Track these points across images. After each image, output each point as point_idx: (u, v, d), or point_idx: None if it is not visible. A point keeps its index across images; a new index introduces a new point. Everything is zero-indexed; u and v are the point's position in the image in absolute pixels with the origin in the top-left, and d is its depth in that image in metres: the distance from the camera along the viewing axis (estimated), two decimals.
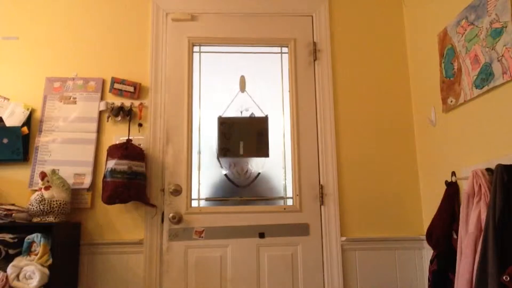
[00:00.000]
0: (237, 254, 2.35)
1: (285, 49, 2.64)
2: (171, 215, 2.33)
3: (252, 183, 2.49)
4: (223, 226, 2.36)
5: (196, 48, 2.60)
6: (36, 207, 2.14)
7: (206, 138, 2.52)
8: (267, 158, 2.51)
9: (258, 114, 2.56)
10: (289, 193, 2.48)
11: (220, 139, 2.50)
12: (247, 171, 2.49)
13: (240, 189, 2.48)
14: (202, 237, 2.33)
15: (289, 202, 2.47)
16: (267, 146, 2.52)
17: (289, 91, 2.57)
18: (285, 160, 2.51)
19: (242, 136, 2.52)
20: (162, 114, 2.49)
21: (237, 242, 2.36)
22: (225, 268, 2.34)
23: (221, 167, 2.48)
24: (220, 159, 2.48)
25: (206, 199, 2.44)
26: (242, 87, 2.54)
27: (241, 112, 2.54)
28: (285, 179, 2.50)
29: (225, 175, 2.48)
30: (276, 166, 2.52)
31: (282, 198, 2.48)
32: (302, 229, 2.40)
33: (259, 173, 2.49)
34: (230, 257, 2.34)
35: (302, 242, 2.39)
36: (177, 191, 2.36)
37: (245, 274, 2.34)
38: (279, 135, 2.55)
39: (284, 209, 2.43)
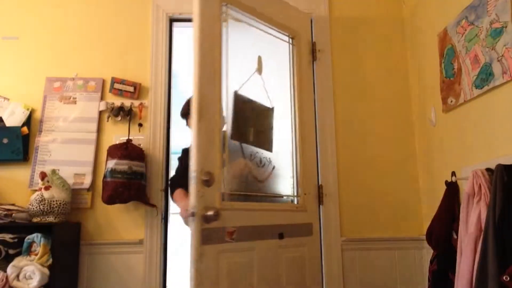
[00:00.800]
0: (261, 258, 1.98)
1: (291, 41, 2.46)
2: (209, 212, 1.72)
3: (268, 177, 2.19)
4: (251, 226, 1.96)
5: (223, 8, 2.10)
6: (36, 207, 2.14)
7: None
8: (276, 153, 2.25)
9: (265, 103, 2.27)
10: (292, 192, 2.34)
11: (234, 118, 2.07)
12: (264, 164, 2.17)
13: (258, 184, 2.14)
14: (233, 239, 1.86)
15: (287, 200, 2.33)
16: (271, 140, 2.25)
17: (293, 86, 2.41)
18: (293, 157, 2.32)
19: (252, 122, 2.18)
20: (163, 113, 2.50)
21: (262, 244, 1.99)
22: (252, 275, 1.93)
23: (243, 155, 2.07)
24: (242, 145, 2.08)
25: (232, 193, 1.96)
26: (260, 69, 2.22)
27: (253, 96, 2.19)
28: (293, 177, 2.31)
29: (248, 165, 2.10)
30: (283, 162, 2.29)
31: (293, 196, 2.30)
32: (308, 229, 2.28)
33: (274, 167, 2.22)
34: (257, 262, 1.95)
35: (308, 242, 2.26)
36: (209, 181, 1.78)
37: (269, 281, 2.00)
38: (286, 130, 2.34)
39: (296, 208, 2.27)
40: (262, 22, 2.28)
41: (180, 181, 2.16)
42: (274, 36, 2.36)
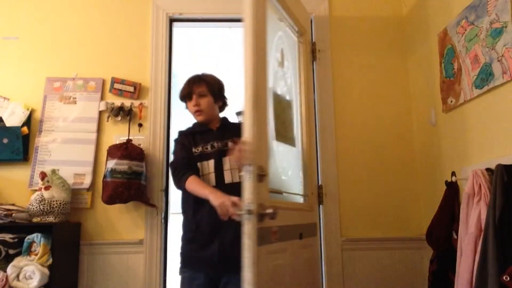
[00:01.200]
0: (292, 260, 1.84)
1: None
2: (268, 210, 1.54)
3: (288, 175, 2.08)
4: (286, 225, 1.79)
5: None
6: (36, 207, 2.14)
7: None
8: (284, 150, 2.11)
9: (286, 96, 2.16)
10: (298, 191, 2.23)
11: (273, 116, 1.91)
12: (285, 160, 2.07)
13: (283, 181, 2.05)
14: (276, 239, 1.69)
15: (298, 199, 2.20)
16: (293, 135, 2.14)
17: (300, 85, 2.32)
18: (302, 154, 2.22)
19: (281, 117, 2.05)
20: (163, 113, 2.50)
21: (291, 245, 1.84)
22: (285, 278, 1.77)
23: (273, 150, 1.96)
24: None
25: (274, 191, 1.77)
26: (282, 62, 2.13)
27: (278, 89, 2.06)
28: (302, 175, 2.21)
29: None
30: (292, 160, 2.17)
31: (304, 195, 2.21)
32: (314, 229, 2.20)
33: (289, 164, 2.11)
34: (289, 264, 1.80)
35: (313, 243, 2.18)
36: (261, 176, 1.59)
37: (294, 283, 1.85)
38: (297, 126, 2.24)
39: (306, 207, 2.18)
40: (284, 14, 2.13)
41: (189, 167, 1.92)
42: (289, 29, 2.24)
